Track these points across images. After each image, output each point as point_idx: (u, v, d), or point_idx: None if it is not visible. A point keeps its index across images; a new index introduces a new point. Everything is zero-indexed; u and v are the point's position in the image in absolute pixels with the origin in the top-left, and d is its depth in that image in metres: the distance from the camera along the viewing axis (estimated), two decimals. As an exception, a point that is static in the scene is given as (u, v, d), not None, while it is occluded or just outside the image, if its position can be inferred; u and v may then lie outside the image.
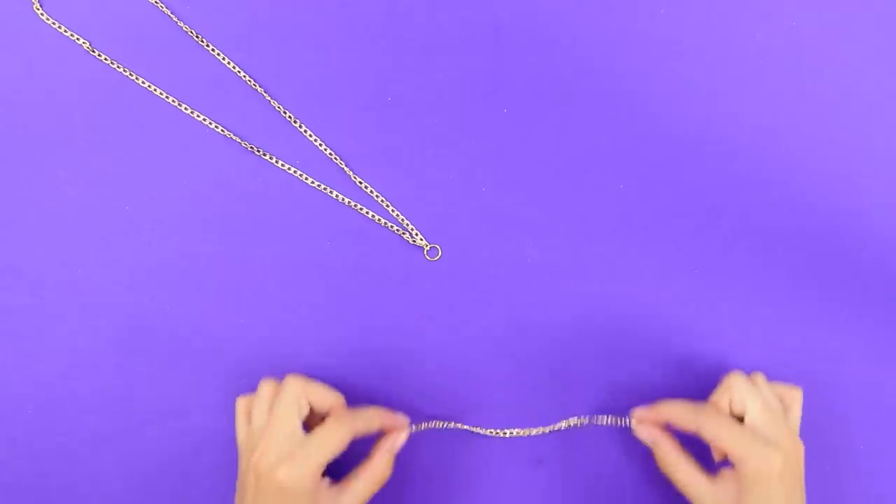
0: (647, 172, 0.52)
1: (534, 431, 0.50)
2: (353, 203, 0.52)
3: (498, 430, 0.50)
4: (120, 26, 0.53)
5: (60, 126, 0.52)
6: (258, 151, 0.52)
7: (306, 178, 0.52)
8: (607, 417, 0.48)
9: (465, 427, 0.49)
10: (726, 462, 0.44)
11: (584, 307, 0.51)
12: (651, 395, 0.51)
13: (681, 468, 0.44)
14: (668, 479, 0.45)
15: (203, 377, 0.50)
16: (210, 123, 0.52)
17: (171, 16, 0.53)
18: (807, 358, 0.50)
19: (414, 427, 0.47)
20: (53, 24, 0.53)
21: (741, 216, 0.52)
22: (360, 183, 0.52)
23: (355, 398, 0.50)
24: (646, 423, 0.46)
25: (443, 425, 0.49)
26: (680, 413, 0.45)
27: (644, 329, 0.51)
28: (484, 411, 0.51)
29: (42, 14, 0.53)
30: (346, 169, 0.52)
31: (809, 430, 0.50)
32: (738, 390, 0.45)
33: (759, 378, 0.46)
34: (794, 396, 0.46)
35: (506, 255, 0.52)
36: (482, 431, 0.49)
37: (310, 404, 0.44)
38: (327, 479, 0.44)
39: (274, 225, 0.52)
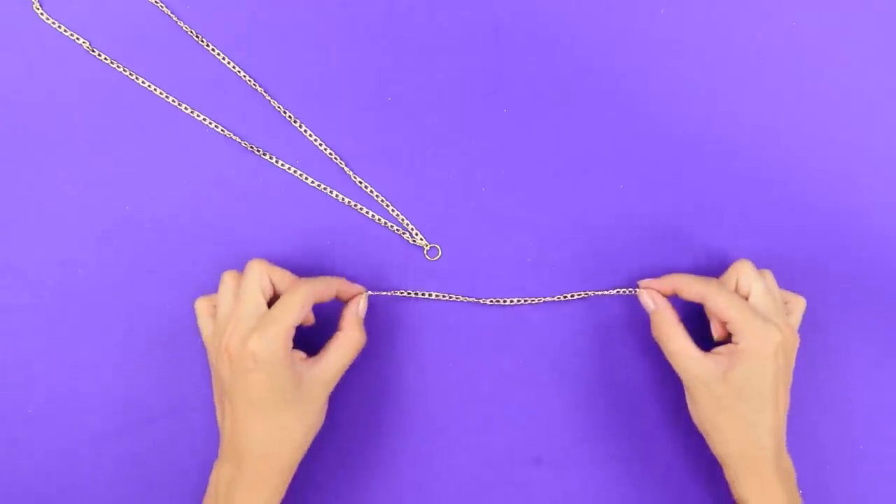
0: (647, 172, 0.52)
1: (533, 300, 0.50)
2: (353, 203, 0.52)
3: (483, 299, 0.50)
4: (120, 26, 0.53)
5: (60, 126, 0.52)
6: (258, 151, 0.52)
7: (306, 178, 0.52)
8: (615, 290, 0.50)
9: (437, 295, 0.50)
10: (721, 343, 0.46)
11: (583, 307, 0.51)
12: (649, 392, 0.51)
13: (675, 337, 0.46)
14: (661, 347, 0.46)
15: (203, 377, 0.50)
16: (210, 123, 0.52)
17: (172, 16, 0.53)
18: (806, 357, 0.50)
19: (371, 293, 0.49)
20: (53, 24, 0.53)
21: (741, 216, 0.52)
22: (360, 183, 0.52)
23: (355, 398, 0.50)
24: (650, 290, 0.48)
25: (405, 293, 0.50)
26: (687, 282, 0.47)
27: (645, 329, 0.51)
28: (484, 410, 0.51)
29: (42, 14, 0.53)
30: (346, 169, 0.52)
31: (810, 429, 0.51)
32: (745, 274, 0.46)
33: (768, 273, 0.47)
34: (798, 302, 0.48)
35: (506, 255, 0.52)
36: (458, 298, 0.50)
37: (272, 285, 0.45)
38: (302, 353, 0.44)
39: (274, 225, 0.52)
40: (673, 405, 0.50)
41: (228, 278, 0.46)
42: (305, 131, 0.52)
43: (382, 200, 0.52)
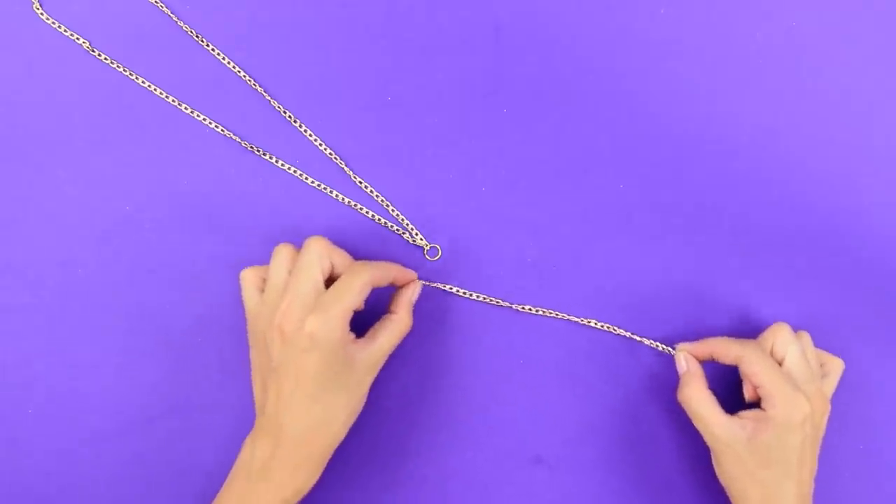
0: (647, 172, 0.52)
1: (559, 315, 0.51)
2: (353, 203, 0.52)
3: (518, 305, 0.51)
4: (120, 26, 0.53)
5: (60, 126, 0.52)
6: (258, 151, 0.52)
7: (306, 178, 0.52)
8: (651, 341, 0.50)
9: (481, 297, 0.50)
10: (752, 406, 0.46)
11: (583, 307, 0.51)
12: (651, 392, 0.51)
13: (703, 402, 0.46)
14: (686, 410, 0.46)
15: (203, 377, 0.50)
16: (210, 123, 0.52)
17: (172, 16, 0.53)
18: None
19: (424, 282, 0.50)
20: (53, 24, 0.53)
21: (741, 216, 0.52)
22: (360, 183, 0.52)
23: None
24: (686, 352, 0.48)
25: (449, 288, 0.51)
26: (724, 345, 0.47)
27: (644, 330, 0.51)
28: (484, 410, 0.51)
29: (42, 14, 0.53)
30: (346, 169, 0.52)
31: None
32: (781, 338, 0.46)
33: (805, 335, 0.48)
34: (835, 365, 0.48)
35: (506, 255, 0.52)
36: (496, 302, 0.51)
37: (332, 266, 0.45)
38: (353, 334, 0.44)
39: (274, 225, 0.52)
40: (674, 406, 0.50)
41: (285, 251, 0.45)
42: (305, 131, 0.52)
43: (382, 200, 0.52)
